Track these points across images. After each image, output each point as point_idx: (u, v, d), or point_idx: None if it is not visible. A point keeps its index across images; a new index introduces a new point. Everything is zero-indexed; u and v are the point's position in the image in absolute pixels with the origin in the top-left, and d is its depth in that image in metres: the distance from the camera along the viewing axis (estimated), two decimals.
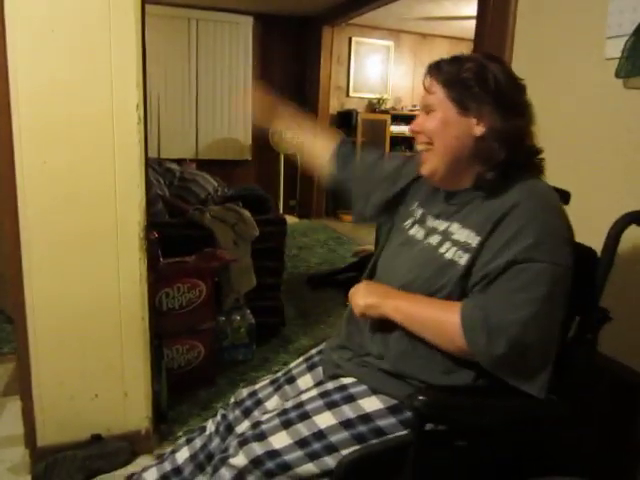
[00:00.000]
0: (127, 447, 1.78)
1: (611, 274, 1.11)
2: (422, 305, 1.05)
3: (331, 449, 1.05)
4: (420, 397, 0.96)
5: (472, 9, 2.84)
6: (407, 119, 6.47)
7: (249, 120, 5.93)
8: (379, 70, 6.46)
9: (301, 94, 6.17)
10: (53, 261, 1.62)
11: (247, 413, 1.24)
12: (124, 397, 1.78)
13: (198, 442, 1.31)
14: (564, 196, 1.23)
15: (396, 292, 1.10)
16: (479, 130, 1.03)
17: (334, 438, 1.05)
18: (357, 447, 1.05)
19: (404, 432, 1.06)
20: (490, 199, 1.05)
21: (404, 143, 6.57)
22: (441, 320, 1.02)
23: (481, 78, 1.02)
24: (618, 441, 1.56)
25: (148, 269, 1.72)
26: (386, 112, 6.29)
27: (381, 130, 6.19)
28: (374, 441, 1.05)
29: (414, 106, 6.61)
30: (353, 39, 6.24)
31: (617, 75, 1.58)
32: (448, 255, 1.05)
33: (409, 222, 1.22)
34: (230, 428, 1.25)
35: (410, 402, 0.96)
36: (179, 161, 4.39)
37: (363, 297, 1.11)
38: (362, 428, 1.05)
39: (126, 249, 1.67)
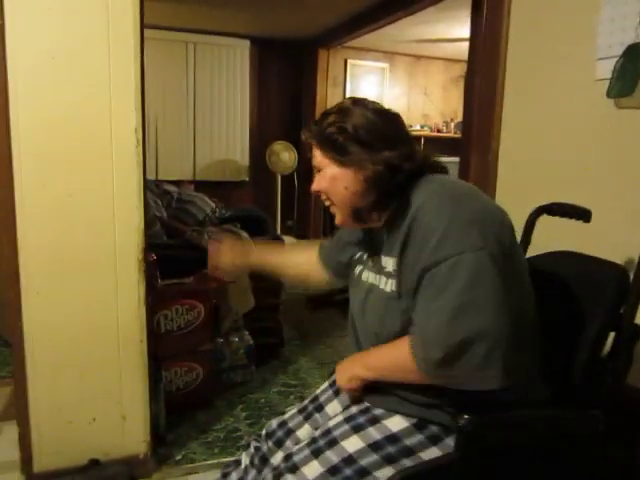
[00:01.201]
0: (125, 471, 1.75)
1: None
2: (381, 352, 1.10)
3: (363, 473, 1.05)
4: (465, 416, 0.96)
5: (465, 31, 2.88)
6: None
7: (246, 141, 5.97)
8: (374, 91, 6.53)
9: (297, 116, 6.23)
10: (51, 284, 1.62)
11: (279, 444, 1.25)
12: (122, 421, 1.77)
13: (234, 476, 1.31)
14: (585, 214, 1.26)
15: (360, 355, 1.16)
16: (361, 175, 1.06)
17: (364, 461, 1.05)
18: (389, 468, 1.04)
19: (434, 449, 1.06)
20: (394, 222, 1.08)
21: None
22: (396, 356, 1.05)
23: (341, 129, 1.06)
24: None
25: (146, 291, 1.72)
26: None
27: None
28: (406, 461, 1.05)
29: (410, 126, 6.65)
30: (348, 61, 6.32)
31: (608, 95, 1.61)
32: (387, 288, 1.09)
33: (359, 268, 1.25)
34: (264, 459, 1.25)
35: (455, 422, 0.97)
36: (177, 182, 4.41)
37: (342, 379, 1.17)
38: (391, 449, 1.06)
39: (124, 271, 1.68)
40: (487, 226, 0.99)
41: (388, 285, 1.08)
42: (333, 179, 1.10)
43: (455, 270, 0.94)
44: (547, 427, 1.05)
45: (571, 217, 1.35)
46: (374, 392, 1.14)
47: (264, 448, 1.27)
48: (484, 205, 1.05)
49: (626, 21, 1.58)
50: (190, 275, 2.28)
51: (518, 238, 1.22)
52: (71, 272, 1.63)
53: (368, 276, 1.19)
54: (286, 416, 1.31)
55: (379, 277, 1.13)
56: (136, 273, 1.69)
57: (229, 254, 1.50)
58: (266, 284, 2.71)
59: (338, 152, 1.07)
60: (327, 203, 1.17)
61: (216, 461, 1.91)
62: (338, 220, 1.16)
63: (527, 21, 2.00)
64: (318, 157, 1.13)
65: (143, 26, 1.61)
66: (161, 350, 2.05)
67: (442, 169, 1.15)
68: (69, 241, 1.61)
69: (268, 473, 1.15)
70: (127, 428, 1.78)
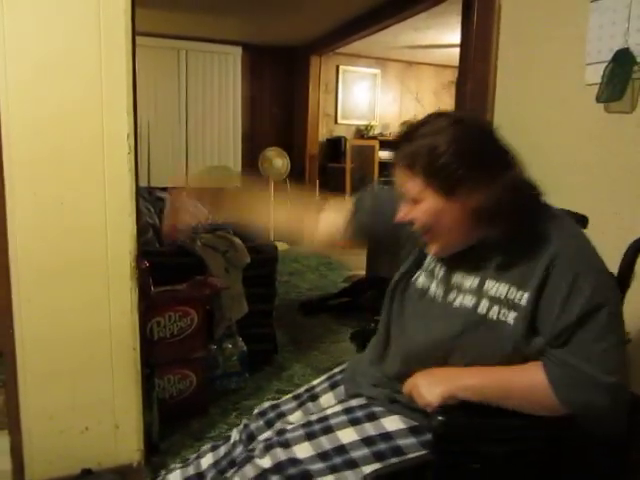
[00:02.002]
0: None
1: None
2: (500, 377, 1.00)
3: (352, 464, 1.06)
4: (439, 417, 0.96)
5: (456, 37, 2.91)
6: (395, 145, 6.54)
7: (238, 148, 5.98)
8: (367, 97, 6.57)
9: (290, 122, 6.24)
10: (43, 292, 1.61)
11: (270, 424, 1.26)
12: (115, 429, 1.75)
13: (222, 449, 1.31)
14: (581, 220, 1.25)
15: (461, 371, 1.03)
16: (470, 205, 0.97)
17: (355, 454, 1.06)
18: (377, 464, 1.06)
19: (423, 452, 1.07)
20: (516, 250, 0.99)
21: (392, 168, 6.63)
22: (525, 384, 0.98)
23: (459, 156, 0.95)
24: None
25: (139, 298, 1.71)
26: (374, 138, 6.37)
27: (370, 156, 6.26)
28: (394, 459, 1.06)
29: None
30: (340, 67, 6.35)
31: (598, 100, 1.63)
32: (492, 315, 1.00)
33: (416, 274, 1.17)
34: (252, 437, 1.26)
35: (429, 422, 0.97)
36: (169, 189, 4.39)
37: (431, 392, 1.00)
38: (382, 446, 1.07)
39: (117, 279, 1.67)
40: (612, 276, 1.02)
41: (502, 314, 0.99)
42: (436, 214, 0.99)
43: (612, 317, 0.94)
44: (523, 431, 1.04)
45: None
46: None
47: (252, 426, 1.27)
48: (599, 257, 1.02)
49: (614, 27, 1.60)
50: (183, 282, 2.28)
51: None
52: (63, 279, 1.62)
53: (435, 288, 1.10)
54: (280, 400, 1.33)
55: (476, 299, 1.02)
56: (129, 280, 1.68)
57: (186, 214, 1.51)
58: (259, 290, 2.71)
59: (454, 183, 0.95)
60: (419, 232, 1.04)
61: None
62: (434, 251, 1.05)
63: (517, 27, 2.02)
64: (416, 187, 0.99)
65: (135, 33, 1.61)
66: (154, 357, 2.03)
67: (547, 206, 1.05)
68: (61, 248, 1.61)
69: (258, 444, 1.15)
70: (120, 437, 1.77)
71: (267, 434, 1.23)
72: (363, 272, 4.35)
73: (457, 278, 1.08)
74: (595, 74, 1.64)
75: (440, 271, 1.11)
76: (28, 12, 1.48)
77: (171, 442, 2.04)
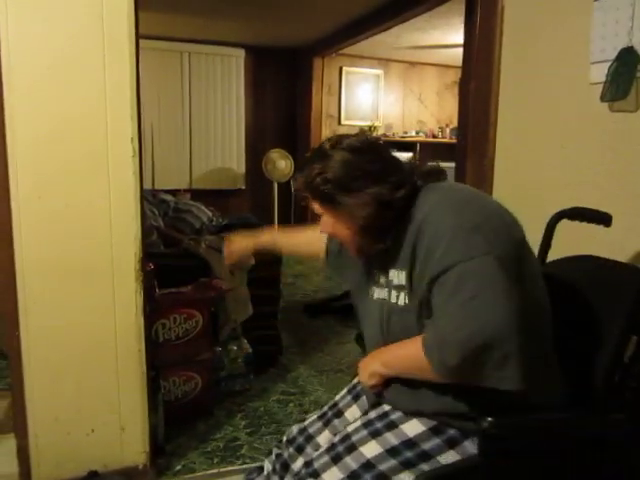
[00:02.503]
0: None
1: None
2: (397, 352, 1.10)
3: (382, 477, 1.06)
4: (489, 419, 0.96)
5: (459, 37, 2.90)
6: (398, 145, 6.55)
7: (242, 149, 5.99)
8: (370, 98, 6.56)
9: (293, 123, 6.25)
10: (48, 295, 1.61)
11: (300, 450, 1.27)
12: (121, 432, 1.76)
13: None
14: (604, 219, 1.27)
15: (378, 351, 1.16)
16: (358, 216, 1.08)
17: (383, 467, 1.06)
18: (407, 473, 1.06)
19: (452, 452, 1.06)
20: (405, 234, 1.08)
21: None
22: (413, 356, 1.04)
23: (325, 180, 1.07)
24: None
25: (144, 300, 1.71)
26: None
27: None
28: (423, 465, 1.06)
29: (405, 132, 6.70)
30: (343, 68, 6.35)
31: (602, 99, 1.62)
32: (399, 302, 1.10)
33: (366, 282, 1.25)
34: (286, 466, 1.27)
35: (479, 424, 0.97)
36: (173, 192, 4.41)
37: (362, 374, 1.18)
38: (408, 454, 1.07)
39: (122, 281, 1.67)
40: (491, 229, 0.99)
41: (400, 298, 1.09)
42: (334, 224, 1.14)
43: (463, 276, 0.95)
44: (569, 431, 1.05)
45: (592, 222, 1.35)
46: (396, 392, 1.15)
47: (285, 455, 1.28)
48: (488, 208, 1.06)
49: (618, 26, 1.59)
50: (188, 284, 2.28)
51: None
52: (68, 282, 1.63)
53: (375, 291, 1.20)
54: (306, 422, 1.33)
55: (388, 291, 1.13)
56: (134, 282, 1.68)
57: (241, 241, 1.63)
58: (264, 292, 2.71)
59: (330, 203, 1.10)
60: (339, 240, 1.23)
61: (216, 471, 1.90)
62: (351, 253, 1.20)
63: (520, 27, 2.01)
64: (315, 205, 1.15)
65: (138, 36, 1.62)
66: (159, 360, 2.04)
67: (440, 175, 1.15)
68: (66, 251, 1.61)
69: (290, 479, 1.17)
70: (126, 439, 1.77)
71: (299, 464, 1.23)
72: None
73: (380, 276, 1.18)
74: (599, 73, 1.64)
75: (373, 274, 1.22)
76: (32, 17, 1.49)
77: (177, 444, 2.04)
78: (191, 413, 2.22)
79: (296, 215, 6.31)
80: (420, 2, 3.77)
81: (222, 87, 5.82)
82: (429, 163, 1.18)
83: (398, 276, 1.09)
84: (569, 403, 1.07)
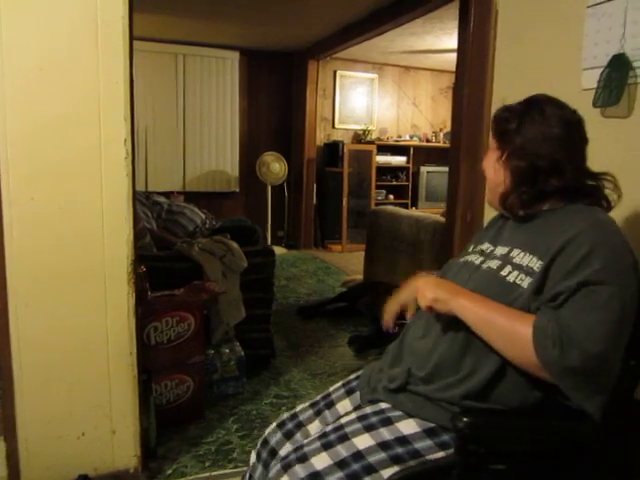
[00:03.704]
0: None
1: None
2: (493, 309, 1.05)
3: (370, 470, 1.06)
4: (464, 419, 0.97)
5: (453, 42, 2.92)
6: (392, 149, 6.57)
7: (236, 152, 5.99)
8: (364, 102, 6.58)
9: (287, 126, 6.25)
10: (40, 296, 1.60)
11: (289, 436, 1.26)
12: (112, 435, 1.75)
13: (247, 475, 1.32)
14: None
15: (468, 292, 1.10)
16: (511, 163, 1.15)
17: (372, 459, 1.07)
18: (395, 468, 1.06)
19: (442, 453, 1.08)
20: (552, 227, 1.10)
21: (389, 173, 6.66)
22: (513, 328, 1.02)
23: (520, 118, 1.17)
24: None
25: (136, 303, 1.71)
26: (372, 143, 6.38)
27: (367, 160, 6.27)
28: (412, 462, 1.07)
29: (399, 137, 6.72)
30: (338, 72, 6.37)
31: (594, 105, 1.63)
32: (510, 278, 1.08)
33: (461, 257, 1.28)
34: (273, 452, 1.26)
35: (454, 423, 0.98)
36: (167, 194, 4.40)
37: (432, 290, 1.11)
38: (399, 450, 1.07)
39: (114, 283, 1.66)
40: (636, 275, 1.04)
41: (515, 277, 1.08)
42: (489, 157, 1.21)
43: (613, 299, 0.98)
44: (545, 433, 1.06)
45: None
46: (397, 392, 1.15)
47: (272, 441, 1.27)
48: (632, 253, 1.08)
49: (610, 32, 1.60)
50: (180, 287, 2.27)
51: None
52: (60, 284, 1.62)
53: (475, 258, 1.21)
54: (297, 409, 1.33)
55: (500, 264, 1.13)
56: (125, 285, 1.68)
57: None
58: (257, 295, 2.71)
59: (503, 134, 1.17)
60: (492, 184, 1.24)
61: (207, 474, 1.89)
62: (487, 198, 1.28)
63: (513, 32, 2.02)
64: (493, 143, 1.21)
65: (132, 38, 1.62)
66: (151, 363, 2.03)
67: (603, 201, 1.17)
68: (58, 253, 1.60)
69: (276, 463, 1.16)
70: (117, 442, 1.76)
71: (286, 449, 1.23)
72: (360, 277, 4.35)
73: (494, 249, 1.19)
74: (592, 79, 1.65)
75: (481, 247, 1.24)
76: (26, 18, 1.48)
77: (168, 447, 2.03)
78: (183, 416, 2.21)
79: (290, 218, 6.31)
80: (414, 7, 3.79)
81: (217, 89, 5.82)
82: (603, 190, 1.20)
83: (525, 259, 1.09)
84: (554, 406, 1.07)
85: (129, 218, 1.66)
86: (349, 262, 5.45)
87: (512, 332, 1.02)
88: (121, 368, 1.72)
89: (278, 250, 5.20)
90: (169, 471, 1.90)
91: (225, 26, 4.98)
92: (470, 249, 1.29)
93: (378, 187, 6.46)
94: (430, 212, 4.43)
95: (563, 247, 1.02)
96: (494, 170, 1.19)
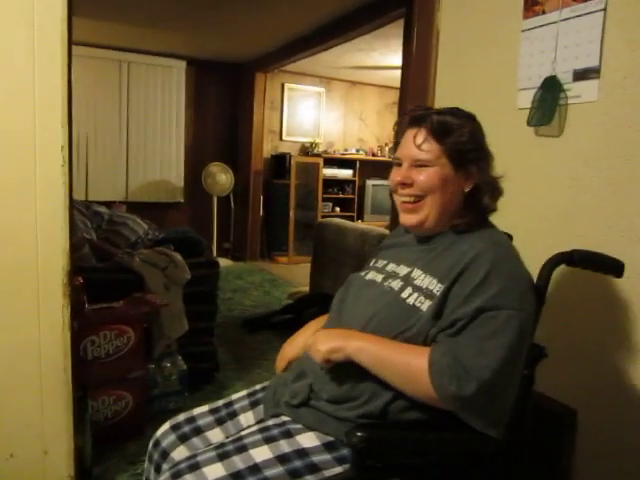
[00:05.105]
0: None
1: (546, 313, 1.16)
2: (388, 348, 1.05)
3: None
4: (358, 433, 0.96)
5: (398, 60, 2.99)
6: (339, 163, 6.65)
7: (181, 162, 5.89)
8: (311, 115, 6.64)
9: (234, 137, 6.22)
10: None
11: (184, 439, 1.20)
12: (44, 456, 1.66)
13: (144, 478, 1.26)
14: (617, 268, 1.28)
15: (359, 334, 1.09)
16: (468, 185, 1.15)
17: (269, 473, 1.04)
18: None
19: (339, 469, 1.06)
20: (453, 248, 1.11)
21: (336, 186, 6.73)
22: (409, 364, 1.02)
23: (474, 138, 1.15)
24: (546, 470, 1.61)
25: (72, 316, 1.64)
26: (319, 155, 6.44)
27: (314, 173, 6.31)
28: (309, 477, 1.04)
29: (346, 150, 6.81)
30: (286, 85, 6.40)
31: (528, 124, 1.71)
32: (410, 300, 1.09)
33: (365, 271, 1.27)
34: (165, 454, 1.20)
35: (348, 439, 0.97)
36: (108, 203, 4.27)
37: (324, 343, 1.09)
38: (297, 463, 1.05)
39: (48, 295, 1.59)
40: (532, 295, 1.06)
41: (414, 299, 1.08)
42: (444, 180, 1.12)
43: (511, 323, 0.99)
44: (443, 446, 1.06)
45: (598, 271, 1.30)
46: (299, 407, 1.14)
47: (164, 443, 1.21)
48: (528, 273, 1.10)
49: (543, 56, 1.69)
50: (120, 299, 2.21)
51: None
52: None
53: (375, 276, 1.21)
54: (195, 412, 1.27)
55: (402, 285, 1.12)
56: (60, 297, 1.61)
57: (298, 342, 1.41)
58: (201, 307, 2.66)
59: (461, 160, 1.13)
60: (406, 199, 1.16)
61: None
62: (416, 219, 1.16)
63: (454, 51, 2.10)
64: (433, 153, 1.12)
65: (72, 41, 1.57)
66: (88, 378, 1.95)
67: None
68: None
69: (167, 469, 1.10)
70: (49, 463, 1.67)
71: (180, 453, 1.17)
72: (307, 289, 4.35)
73: (396, 268, 1.19)
74: (526, 99, 1.73)
75: (385, 265, 1.23)
76: None
77: (105, 467, 1.95)
78: (122, 433, 2.13)
79: (236, 229, 6.25)
80: (360, 24, 3.87)
81: (162, 98, 5.72)
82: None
83: (426, 280, 1.09)
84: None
85: (65, 228, 1.59)
86: (296, 274, 5.45)
87: (408, 370, 1.02)
88: (54, 385, 1.64)
89: (224, 262, 5.14)
90: None
91: (171, 35, 4.92)
92: (372, 263, 1.29)
93: (325, 199, 6.52)
94: (375, 225, 4.50)
95: (462, 271, 1.04)
96: (445, 190, 1.19)
